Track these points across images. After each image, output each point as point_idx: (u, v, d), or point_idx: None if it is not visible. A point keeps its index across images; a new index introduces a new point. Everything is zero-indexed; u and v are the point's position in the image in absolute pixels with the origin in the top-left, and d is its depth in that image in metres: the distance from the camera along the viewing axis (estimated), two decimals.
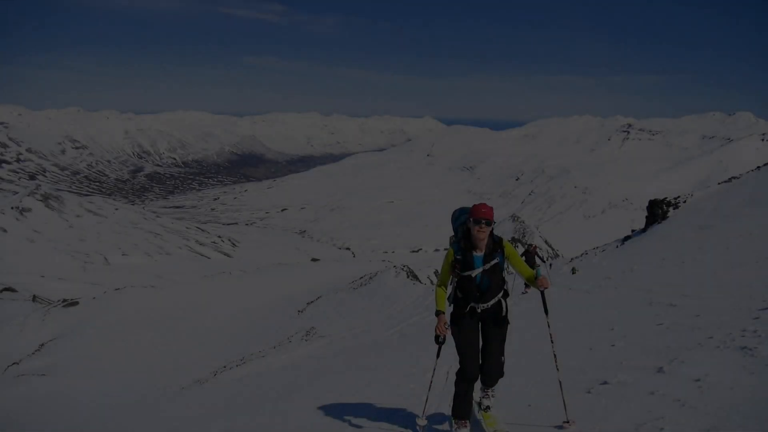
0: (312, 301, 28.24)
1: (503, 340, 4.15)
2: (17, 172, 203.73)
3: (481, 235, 3.96)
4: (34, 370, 22.98)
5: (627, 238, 21.73)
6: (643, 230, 21.26)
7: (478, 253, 4.03)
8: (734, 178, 22.30)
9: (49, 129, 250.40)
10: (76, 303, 35.25)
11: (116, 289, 40.52)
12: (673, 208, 20.66)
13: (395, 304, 21.65)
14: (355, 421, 5.50)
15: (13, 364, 24.88)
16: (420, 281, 27.93)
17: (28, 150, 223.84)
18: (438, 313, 4.13)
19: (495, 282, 4.06)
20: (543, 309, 4.31)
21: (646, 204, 22.67)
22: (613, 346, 5.75)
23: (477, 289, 4.05)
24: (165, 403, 13.63)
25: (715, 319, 5.57)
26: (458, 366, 4.18)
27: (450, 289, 4.25)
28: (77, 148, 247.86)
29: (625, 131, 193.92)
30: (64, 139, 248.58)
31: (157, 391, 17.80)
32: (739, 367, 4.00)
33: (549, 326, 4.26)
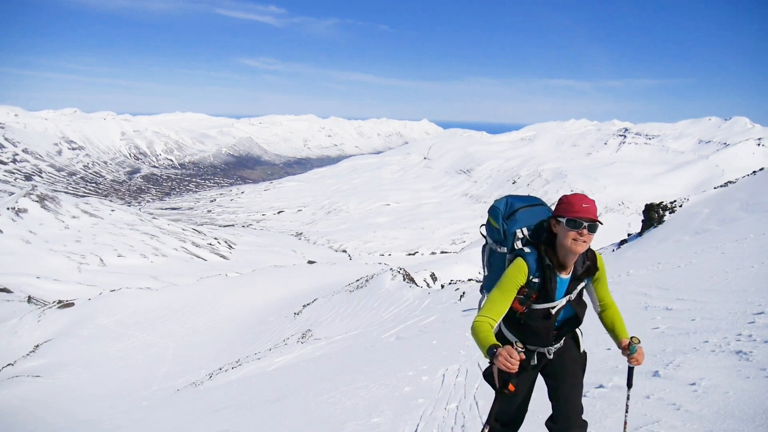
0: (308, 304, 28.22)
1: (582, 378, 2.84)
2: (13, 173, 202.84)
3: (580, 247, 2.48)
4: (28, 372, 22.88)
5: (623, 242, 21.78)
6: (639, 234, 21.32)
7: (564, 275, 2.58)
8: (730, 182, 22.43)
9: (46, 130, 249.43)
10: (72, 304, 35.14)
11: (112, 291, 40.42)
12: (669, 213, 20.74)
13: (392, 306, 21.64)
14: (350, 423, 5.50)
15: (8, 365, 24.78)
16: (416, 284, 27.90)
17: (25, 151, 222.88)
18: (493, 348, 2.27)
19: (579, 312, 2.69)
20: (627, 382, 3.01)
21: (642, 208, 22.77)
22: (608, 349, 5.76)
23: (552, 327, 2.64)
24: (160, 405, 13.58)
25: (710, 324, 5.58)
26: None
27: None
28: (74, 149, 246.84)
29: (621, 135, 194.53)
30: (60, 140, 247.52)
31: (152, 393, 17.76)
32: (734, 372, 4.01)
33: (628, 398, 3.09)
